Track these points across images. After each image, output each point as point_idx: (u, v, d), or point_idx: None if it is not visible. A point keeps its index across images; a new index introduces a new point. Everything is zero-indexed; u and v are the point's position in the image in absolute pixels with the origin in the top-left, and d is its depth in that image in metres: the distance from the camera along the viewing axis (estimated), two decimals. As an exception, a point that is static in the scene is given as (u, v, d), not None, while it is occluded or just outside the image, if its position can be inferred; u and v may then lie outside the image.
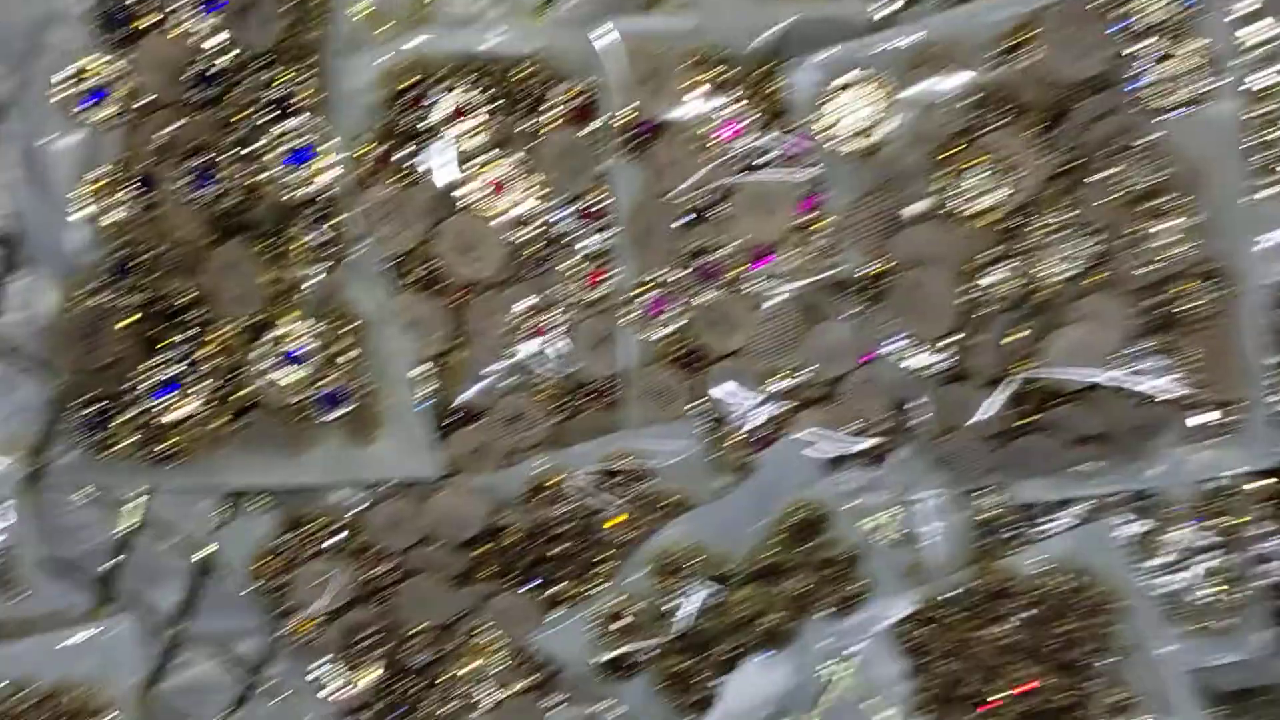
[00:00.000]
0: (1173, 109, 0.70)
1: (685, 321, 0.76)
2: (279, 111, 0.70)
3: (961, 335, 0.73)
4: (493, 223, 0.74)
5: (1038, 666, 0.86)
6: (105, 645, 0.80)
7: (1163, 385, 0.73)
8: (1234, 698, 0.92)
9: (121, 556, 0.83)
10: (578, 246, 0.77)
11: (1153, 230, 0.70)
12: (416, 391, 0.75)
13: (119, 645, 0.80)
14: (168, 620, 0.85)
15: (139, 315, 0.73)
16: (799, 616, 0.85)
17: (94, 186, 0.74)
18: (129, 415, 0.73)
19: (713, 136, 0.73)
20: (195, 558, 0.84)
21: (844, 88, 0.71)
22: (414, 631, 0.83)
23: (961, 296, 0.72)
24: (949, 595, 0.88)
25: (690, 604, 0.83)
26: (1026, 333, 0.72)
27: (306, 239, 0.71)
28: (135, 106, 0.73)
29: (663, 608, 0.82)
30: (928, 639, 0.88)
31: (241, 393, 0.73)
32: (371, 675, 0.85)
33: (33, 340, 0.78)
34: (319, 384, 0.73)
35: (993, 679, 0.88)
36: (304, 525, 0.80)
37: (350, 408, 0.74)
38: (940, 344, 0.75)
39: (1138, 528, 0.87)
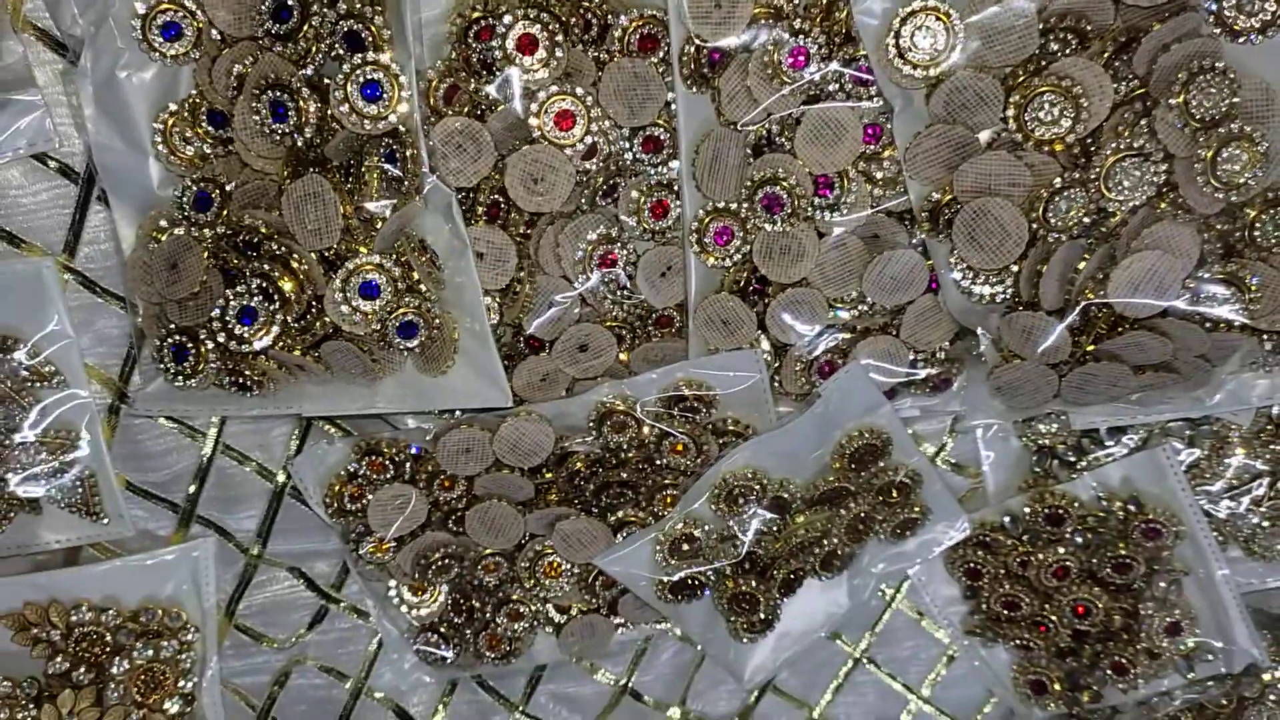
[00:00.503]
0: (1246, 34, 0.69)
1: (750, 251, 0.77)
2: (351, 45, 0.70)
3: (1027, 263, 0.73)
4: (560, 154, 0.74)
5: (1093, 589, 0.88)
6: (186, 567, 0.83)
7: (1227, 313, 0.73)
8: (1287, 621, 0.93)
9: (202, 481, 0.85)
10: (643, 177, 0.77)
11: (1222, 157, 0.69)
12: (487, 321, 0.76)
13: (200, 566, 0.83)
14: (246, 543, 0.87)
15: (218, 248, 0.74)
16: (857, 541, 0.86)
17: (170, 121, 0.75)
18: (209, 345, 0.75)
19: (779, 65, 0.72)
20: (273, 483, 0.86)
21: (911, 14, 0.70)
22: (484, 554, 0.85)
23: (1028, 224, 0.72)
24: (1005, 520, 0.89)
25: (751, 529, 0.84)
26: (1092, 260, 0.72)
27: (380, 172, 0.72)
28: (208, 41, 0.73)
29: (725, 532, 0.84)
30: (983, 563, 0.90)
31: (318, 323, 0.74)
32: (442, 596, 0.87)
33: (113, 273, 0.79)
34: (393, 315, 0.73)
35: (1047, 600, 0.89)
36: (378, 452, 0.81)
37: (423, 338, 0.74)
38: (1005, 272, 0.74)
39: (1193, 454, 0.87)
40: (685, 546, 0.83)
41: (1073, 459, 0.88)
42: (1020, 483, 0.89)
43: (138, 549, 0.83)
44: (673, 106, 0.75)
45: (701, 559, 0.84)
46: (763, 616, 0.86)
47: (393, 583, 0.87)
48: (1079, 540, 0.87)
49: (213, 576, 0.83)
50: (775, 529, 0.84)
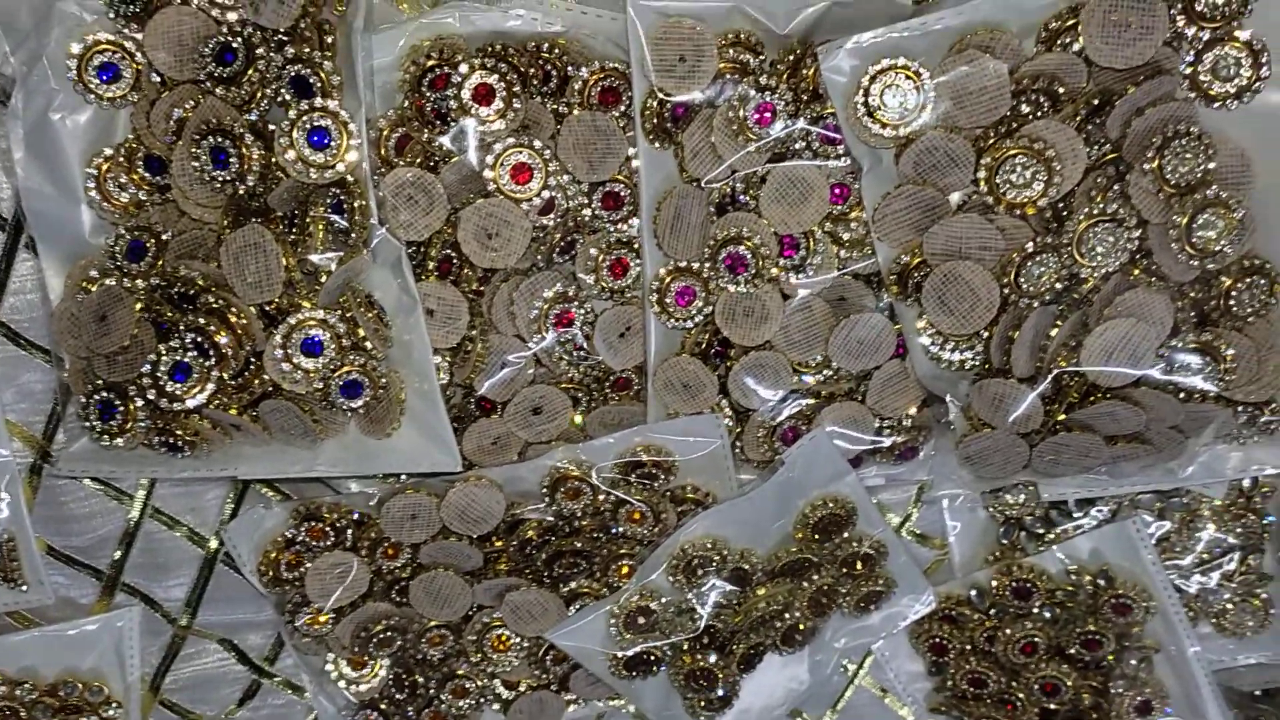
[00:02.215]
0: (1221, 99, 0.68)
1: (712, 312, 0.75)
2: (299, 91, 0.67)
3: (998, 329, 0.71)
4: (516, 209, 0.72)
5: (1061, 666, 0.85)
6: (110, 637, 0.79)
7: (1201, 384, 0.71)
8: (1258, 699, 0.91)
9: (128, 547, 0.81)
10: (603, 234, 0.75)
11: (1197, 223, 0.68)
12: (436, 382, 0.73)
13: (124, 637, 0.80)
14: (175, 612, 0.83)
15: (151, 300, 0.71)
16: (820, 614, 0.84)
17: (104, 166, 0.72)
18: (139, 403, 0.72)
19: (744, 122, 0.70)
20: (204, 549, 0.82)
21: (881, 73, 0.69)
22: (428, 626, 0.82)
23: (999, 289, 0.70)
24: (971, 594, 0.87)
25: (710, 601, 0.81)
26: (1065, 327, 0.70)
27: (326, 223, 0.69)
28: (148, 84, 0.70)
29: (683, 605, 0.81)
30: (949, 638, 0.87)
31: (256, 381, 0.71)
32: (383, 671, 0.84)
33: (39, 324, 0.76)
34: (337, 373, 0.70)
35: (1015, 677, 0.87)
36: (318, 517, 0.78)
37: (368, 398, 0.72)
38: (976, 338, 0.73)
39: (1163, 527, 0.86)
40: (641, 620, 0.80)
41: (1040, 531, 0.86)
42: (987, 555, 0.87)
43: (58, 618, 0.80)
44: (634, 162, 0.73)
45: (658, 633, 0.81)
46: (721, 693, 0.83)
47: (331, 656, 0.83)
48: (1047, 615, 0.85)
49: (138, 648, 0.80)
50: (735, 602, 0.82)
